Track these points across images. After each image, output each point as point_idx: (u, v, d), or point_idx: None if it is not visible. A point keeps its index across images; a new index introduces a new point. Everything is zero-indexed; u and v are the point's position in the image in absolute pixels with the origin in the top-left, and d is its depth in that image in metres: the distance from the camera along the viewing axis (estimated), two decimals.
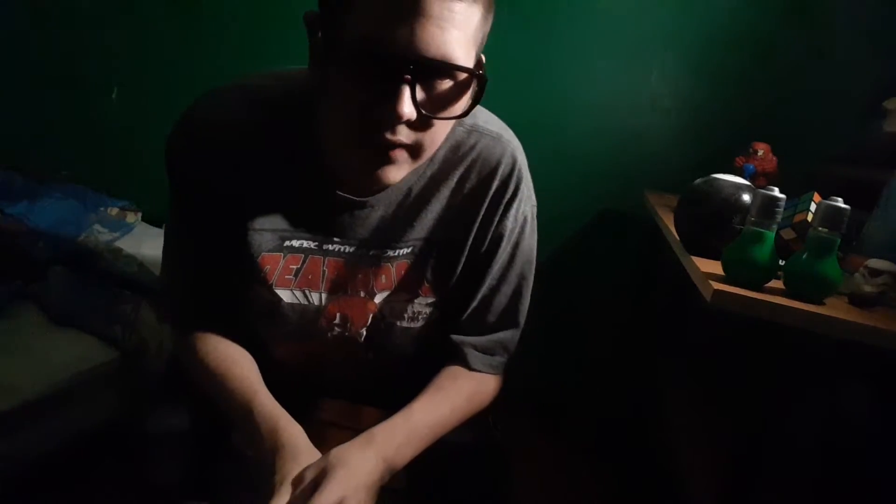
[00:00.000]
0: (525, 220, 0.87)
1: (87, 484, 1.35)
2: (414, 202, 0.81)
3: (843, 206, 0.84)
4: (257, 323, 0.85)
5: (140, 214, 1.93)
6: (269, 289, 0.81)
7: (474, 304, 0.87)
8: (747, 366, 1.12)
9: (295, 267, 0.81)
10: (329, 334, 0.85)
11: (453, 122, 0.72)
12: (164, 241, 0.88)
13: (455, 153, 0.82)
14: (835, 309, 0.85)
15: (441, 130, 0.71)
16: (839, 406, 0.98)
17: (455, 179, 0.82)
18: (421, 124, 0.67)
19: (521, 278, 0.89)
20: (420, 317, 0.87)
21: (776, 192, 0.87)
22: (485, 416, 0.92)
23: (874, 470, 0.97)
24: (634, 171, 1.89)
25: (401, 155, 0.69)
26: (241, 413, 0.77)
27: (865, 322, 0.81)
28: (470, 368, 0.87)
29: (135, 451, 0.86)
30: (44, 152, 2.13)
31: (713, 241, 1.00)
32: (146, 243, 1.77)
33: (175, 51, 2.07)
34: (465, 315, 0.88)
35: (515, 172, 0.84)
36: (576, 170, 1.91)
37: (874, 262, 0.92)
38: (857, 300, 0.91)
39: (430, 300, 0.86)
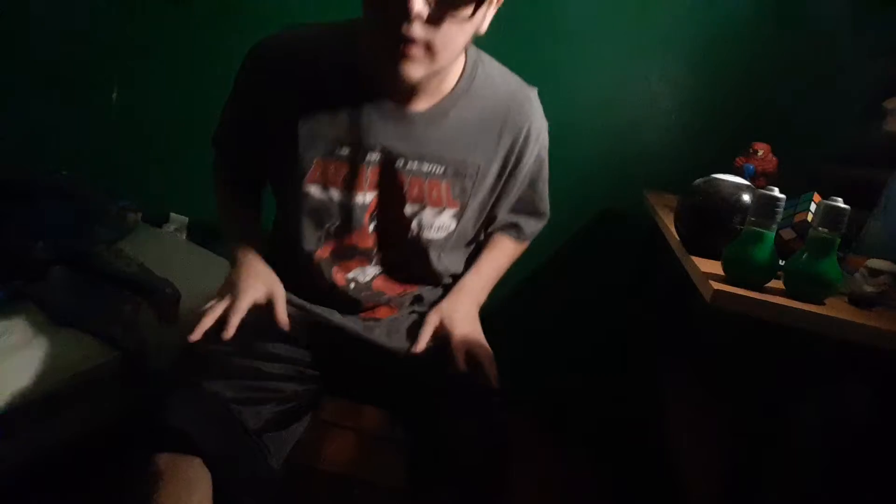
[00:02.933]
0: (541, 158, 1.12)
1: (87, 484, 1.35)
2: (450, 125, 0.97)
3: (843, 206, 0.84)
4: (306, 218, 1.00)
5: (140, 215, 1.93)
6: (322, 188, 0.97)
7: (503, 212, 1.13)
8: (747, 366, 1.12)
9: (344, 171, 0.96)
10: (370, 227, 1.01)
11: (468, 29, 0.84)
12: (224, 113, 1.08)
13: (489, 93, 1.00)
14: (835, 309, 0.85)
15: (454, 34, 0.82)
16: (839, 406, 0.98)
17: (488, 116, 1.00)
18: (434, 23, 0.80)
19: (542, 186, 1.17)
20: (444, 228, 1.03)
21: (776, 192, 0.87)
22: (488, 400, 0.99)
23: (874, 470, 0.97)
24: (634, 171, 1.89)
25: (417, 51, 0.81)
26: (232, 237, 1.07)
27: (865, 322, 0.81)
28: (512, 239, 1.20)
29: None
30: (44, 152, 2.13)
31: (713, 241, 1.00)
32: (146, 243, 1.77)
33: (175, 51, 2.07)
34: (498, 222, 1.14)
35: (535, 127, 1.05)
36: (576, 170, 1.91)
37: (874, 262, 0.92)
38: (857, 300, 0.91)
39: (455, 211, 1.02)
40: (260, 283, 0.99)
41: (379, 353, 1.05)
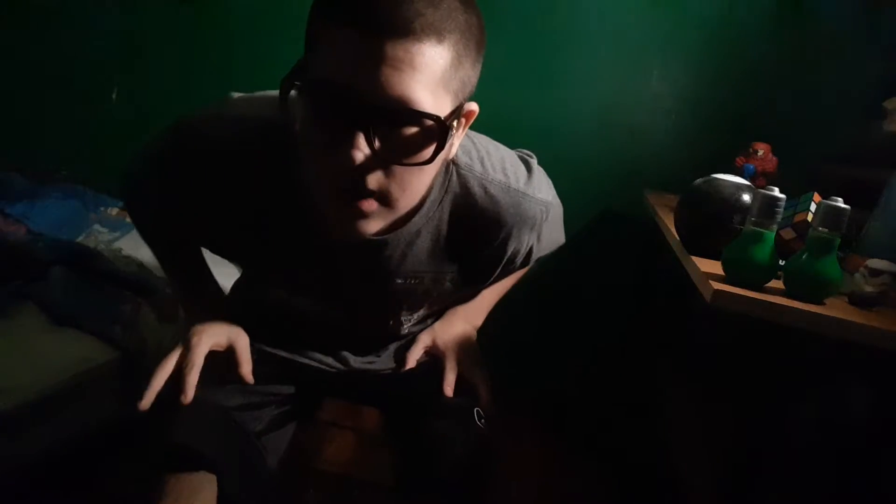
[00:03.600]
0: (537, 240, 0.92)
1: (87, 484, 1.35)
2: (422, 243, 0.82)
3: (843, 206, 0.84)
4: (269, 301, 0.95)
5: None
6: (285, 291, 0.91)
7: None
8: (747, 366, 1.12)
9: (307, 288, 0.89)
10: (339, 328, 0.96)
11: (428, 168, 0.67)
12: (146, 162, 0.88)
13: (467, 204, 0.82)
14: (835, 309, 0.85)
15: (411, 178, 0.67)
16: (839, 406, 0.98)
17: (468, 228, 0.83)
18: (385, 171, 0.65)
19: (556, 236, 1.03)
20: (421, 317, 0.99)
21: (776, 192, 0.87)
22: (471, 411, 0.97)
23: (874, 470, 0.97)
24: (634, 171, 1.89)
25: (369, 206, 0.67)
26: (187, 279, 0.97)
27: (865, 322, 0.81)
28: None
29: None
30: (44, 152, 2.13)
31: (713, 241, 1.00)
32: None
33: (175, 51, 2.07)
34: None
35: (529, 224, 0.86)
36: (576, 170, 1.91)
37: (874, 262, 0.92)
38: (857, 300, 0.91)
39: (434, 309, 0.98)
40: (217, 328, 0.90)
41: (366, 375, 1.03)
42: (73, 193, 1.79)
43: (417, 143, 0.65)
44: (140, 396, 0.82)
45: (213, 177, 0.77)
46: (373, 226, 0.70)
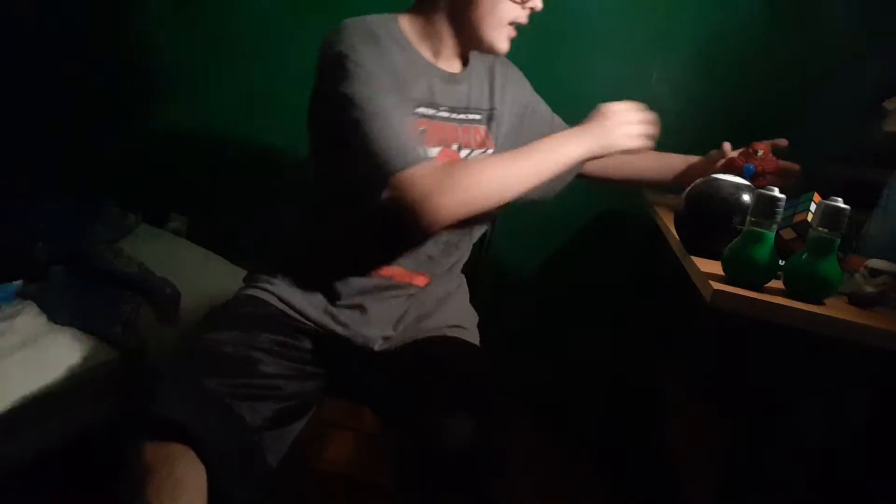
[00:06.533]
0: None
1: (86, 484, 1.35)
2: (474, 80, 1.18)
3: (843, 206, 0.84)
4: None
5: (140, 215, 1.93)
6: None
7: None
8: (747, 366, 1.12)
9: (421, 129, 1.08)
10: None
11: None
12: (370, 111, 0.98)
13: None
14: (835, 309, 0.85)
15: None
16: (839, 406, 0.98)
17: (497, 68, 1.24)
18: None
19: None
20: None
21: (776, 192, 0.87)
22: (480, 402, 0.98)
23: (874, 470, 0.97)
24: None
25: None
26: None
27: (865, 322, 0.81)
28: None
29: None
30: (44, 153, 2.13)
31: (713, 241, 1.00)
32: (146, 243, 1.77)
33: (175, 51, 2.07)
34: None
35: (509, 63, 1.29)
36: None
37: (874, 262, 0.92)
38: (857, 300, 0.91)
39: (490, 151, 1.18)
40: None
41: (373, 355, 1.06)
42: (73, 194, 1.79)
43: None
44: None
45: (378, 40, 1.03)
46: None
